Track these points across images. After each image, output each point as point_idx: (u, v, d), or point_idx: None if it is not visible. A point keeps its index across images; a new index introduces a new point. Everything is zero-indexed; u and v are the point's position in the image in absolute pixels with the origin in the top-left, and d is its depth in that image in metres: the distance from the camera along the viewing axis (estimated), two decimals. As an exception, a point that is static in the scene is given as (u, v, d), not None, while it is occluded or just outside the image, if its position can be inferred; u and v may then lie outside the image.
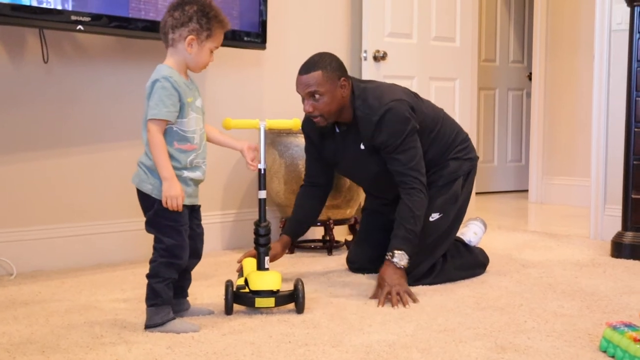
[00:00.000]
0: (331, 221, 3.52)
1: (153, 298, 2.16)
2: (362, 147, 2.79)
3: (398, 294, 2.49)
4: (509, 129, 6.38)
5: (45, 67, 3.05)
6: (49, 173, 3.12)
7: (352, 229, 3.79)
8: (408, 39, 4.18)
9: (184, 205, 2.17)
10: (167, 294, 2.17)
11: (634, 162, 3.36)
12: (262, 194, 2.42)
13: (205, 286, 2.75)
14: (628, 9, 3.43)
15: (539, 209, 5.43)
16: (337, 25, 4.08)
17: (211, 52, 2.23)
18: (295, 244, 3.49)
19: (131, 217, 3.18)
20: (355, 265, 3.06)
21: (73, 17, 2.86)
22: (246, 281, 2.39)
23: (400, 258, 2.60)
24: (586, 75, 5.13)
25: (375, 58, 4.00)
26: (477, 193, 5.05)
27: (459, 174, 2.94)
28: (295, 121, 2.58)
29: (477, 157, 3.06)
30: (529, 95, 6.26)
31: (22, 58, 3.02)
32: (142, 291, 2.21)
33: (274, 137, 3.55)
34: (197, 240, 2.31)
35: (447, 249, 2.90)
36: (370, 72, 3.98)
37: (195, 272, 2.38)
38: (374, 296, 2.58)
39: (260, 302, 2.33)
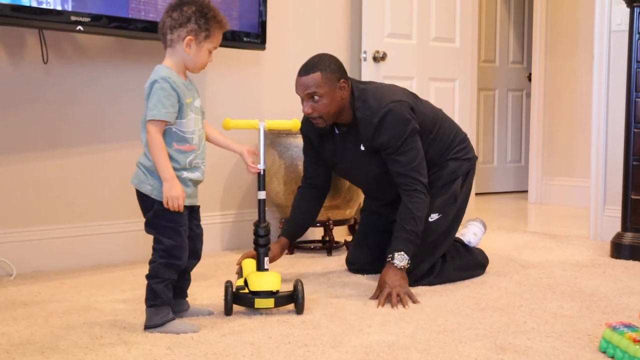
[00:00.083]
0: (331, 222, 3.52)
1: (152, 299, 2.16)
2: (362, 148, 2.79)
3: (398, 295, 2.49)
4: (509, 130, 6.38)
5: (45, 67, 3.05)
6: (48, 174, 3.12)
7: (351, 229, 3.79)
8: (408, 40, 4.18)
9: (184, 206, 2.17)
10: (166, 294, 2.17)
11: (634, 163, 3.36)
12: (262, 195, 2.42)
13: (205, 287, 2.75)
14: (628, 10, 3.43)
15: (539, 209, 5.43)
16: (337, 25, 4.08)
17: (210, 52, 2.23)
18: (294, 245, 3.49)
19: (131, 217, 3.18)
20: (355, 266, 3.06)
21: (73, 18, 2.86)
22: (246, 282, 2.39)
23: (400, 259, 2.60)
24: (586, 76, 5.13)
25: (375, 59, 4.01)
26: (476, 194, 5.05)
27: (458, 174, 2.94)
28: (294, 122, 2.58)
29: (476, 157, 3.06)
30: (528, 95, 6.27)
31: (21, 59, 3.02)
32: (142, 292, 2.21)
33: (274, 137, 3.55)
34: (197, 240, 2.31)
35: (447, 249, 2.90)
36: (369, 72, 3.98)
37: (194, 273, 2.38)
38: (374, 297, 2.58)
39: (259, 302, 2.33)
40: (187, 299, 2.36)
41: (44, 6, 2.79)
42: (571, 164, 5.50)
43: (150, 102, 2.12)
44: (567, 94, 5.54)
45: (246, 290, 2.36)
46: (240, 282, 2.43)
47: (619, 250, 3.38)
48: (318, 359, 1.92)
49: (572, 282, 2.86)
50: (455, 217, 2.93)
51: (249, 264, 2.51)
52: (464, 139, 3.02)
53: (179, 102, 2.15)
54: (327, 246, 3.52)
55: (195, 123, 2.20)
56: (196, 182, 2.25)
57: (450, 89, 4.37)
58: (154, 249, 2.19)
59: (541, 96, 5.68)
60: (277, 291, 2.35)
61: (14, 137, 3.03)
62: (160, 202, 2.14)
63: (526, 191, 5.91)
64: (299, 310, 2.37)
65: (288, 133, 3.50)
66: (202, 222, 2.35)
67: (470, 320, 2.30)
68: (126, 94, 3.29)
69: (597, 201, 3.89)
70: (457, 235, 3.05)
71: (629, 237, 3.37)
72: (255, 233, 2.40)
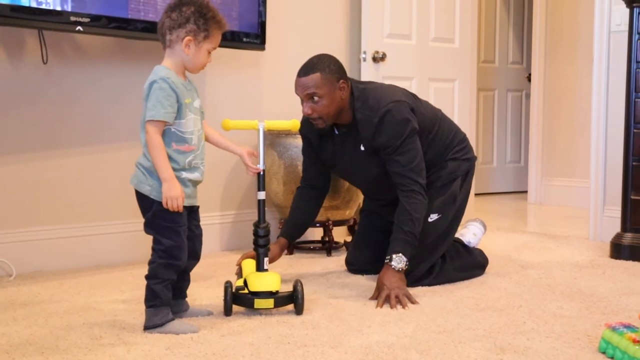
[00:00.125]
0: (330, 222, 3.52)
1: (152, 299, 2.16)
2: (362, 148, 2.79)
3: (397, 296, 2.49)
4: (508, 130, 6.38)
5: (45, 68, 3.05)
6: (48, 174, 3.12)
7: (351, 230, 3.79)
8: (407, 40, 4.18)
9: (183, 206, 2.17)
10: (166, 295, 2.17)
11: (633, 164, 3.36)
12: (261, 195, 2.42)
13: (204, 287, 2.75)
14: (627, 10, 3.43)
15: (538, 210, 5.43)
16: (336, 26, 4.08)
17: (209, 53, 2.23)
18: (293, 245, 3.50)
19: (130, 218, 3.18)
20: (354, 266, 3.06)
21: (72, 18, 2.86)
22: (245, 282, 2.39)
23: (398, 261, 2.60)
24: (585, 77, 5.13)
25: (375, 59, 4.01)
26: (476, 194, 5.06)
27: (458, 174, 2.94)
28: (294, 122, 2.58)
29: (475, 157, 3.06)
30: (528, 96, 6.27)
31: (21, 59, 3.02)
32: (141, 292, 2.21)
33: (273, 138, 3.55)
34: (196, 241, 2.31)
35: (446, 249, 2.90)
36: (369, 73, 3.98)
37: (194, 273, 2.38)
38: (373, 298, 2.57)
39: (259, 303, 2.33)
40: (186, 299, 2.36)
41: (43, 6, 2.79)
42: (571, 165, 5.50)
43: (149, 102, 2.12)
44: (567, 94, 5.54)
45: (246, 291, 2.36)
46: (240, 283, 2.43)
47: (619, 250, 3.38)
48: (317, 359, 1.92)
49: (572, 283, 2.86)
50: (454, 218, 2.93)
51: (249, 265, 2.51)
52: (463, 139, 3.02)
53: (178, 103, 2.15)
54: (327, 247, 3.52)
55: (195, 123, 2.20)
56: (195, 183, 2.25)
57: (449, 90, 4.37)
58: (153, 249, 2.19)
59: (540, 96, 5.68)
60: (277, 291, 2.35)
61: (14, 137, 3.03)
62: (160, 203, 2.14)
63: (526, 191, 5.92)
64: (299, 310, 2.37)
65: (287, 133, 3.50)
66: (201, 223, 2.35)
67: (470, 320, 2.30)
68: (126, 94, 3.29)
69: (597, 202, 3.89)
70: (457, 235, 3.05)
71: (628, 237, 3.37)
72: (255, 233, 2.40)
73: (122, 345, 2.03)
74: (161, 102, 2.11)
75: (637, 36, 3.35)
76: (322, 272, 3.10)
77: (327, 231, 3.54)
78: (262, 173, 2.41)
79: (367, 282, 2.87)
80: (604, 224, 3.85)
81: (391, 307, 2.45)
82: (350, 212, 3.65)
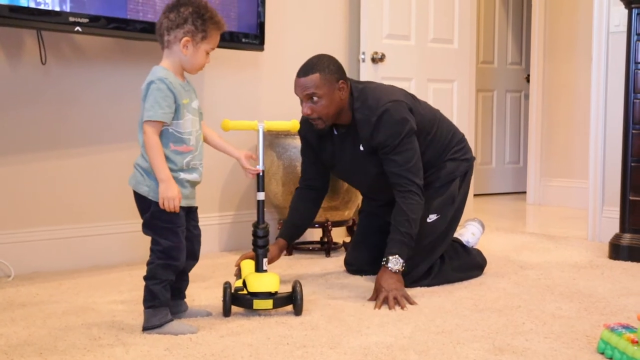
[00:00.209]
0: (329, 223, 3.52)
1: (150, 300, 2.16)
2: (361, 148, 2.79)
3: (395, 298, 2.49)
4: (507, 131, 6.38)
5: (43, 68, 3.05)
6: (46, 175, 3.12)
7: (350, 230, 3.79)
8: (406, 41, 4.18)
9: (181, 207, 2.17)
10: (164, 295, 2.17)
11: (632, 164, 3.36)
12: (261, 196, 2.42)
13: (203, 288, 2.75)
14: (626, 11, 3.43)
15: (537, 210, 5.43)
16: (335, 26, 4.08)
17: (207, 53, 2.23)
18: (292, 246, 3.49)
19: (128, 218, 3.18)
20: (353, 267, 3.06)
21: (71, 19, 2.85)
22: (244, 283, 2.38)
23: (394, 263, 2.60)
24: (584, 77, 5.13)
25: (374, 60, 4.01)
26: (475, 195, 5.06)
27: (456, 174, 2.94)
28: (293, 123, 2.58)
29: (474, 158, 3.06)
30: (527, 97, 6.27)
31: (19, 59, 3.02)
32: (140, 293, 2.21)
33: (272, 138, 3.55)
34: (194, 241, 2.31)
35: (445, 250, 2.90)
36: (368, 73, 3.98)
37: (192, 274, 2.38)
38: (372, 299, 2.57)
39: (258, 303, 2.33)
40: (185, 300, 2.35)
41: (42, 7, 2.78)
42: (569, 165, 5.50)
43: (147, 103, 2.12)
44: (566, 95, 5.54)
45: (245, 291, 2.36)
46: (239, 283, 2.43)
47: (617, 251, 3.38)
48: (316, 360, 1.92)
49: (571, 283, 2.86)
50: (453, 218, 2.93)
51: (248, 265, 2.51)
52: (462, 139, 3.02)
53: (176, 103, 2.15)
54: (326, 247, 3.52)
55: (193, 124, 2.20)
56: (193, 184, 2.24)
57: (448, 90, 4.37)
58: (151, 250, 2.19)
59: (539, 97, 5.68)
60: (276, 292, 2.35)
61: (12, 138, 3.03)
62: (158, 203, 2.14)
63: (524, 192, 5.92)
64: (298, 311, 2.36)
65: (286, 134, 3.50)
66: (200, 223, 2.34)
67: (469, 321, 2.30)
68: (125, 95, 3.28)
69: (596, 202, 3.89)
70: (456, 235, 3.05)
71: (627, 238, 3.37)
72: (254, 234, 2.40)
73: (120, 346, 2.03)
74: (159, 102, 2.11)
75: (635, 37, 3.35)
76: (321, 272, 3.10)
77: (326, 232, 3.54)
78: (261, 174, 2.41)
79: (366, 283, 2.87)
80: (602, 225, 3.86)
81: (389, 309, 2.45)
82: (349, 213, 3.65)
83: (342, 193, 3.49)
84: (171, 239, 2.17)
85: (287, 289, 2.41)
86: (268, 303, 2.33)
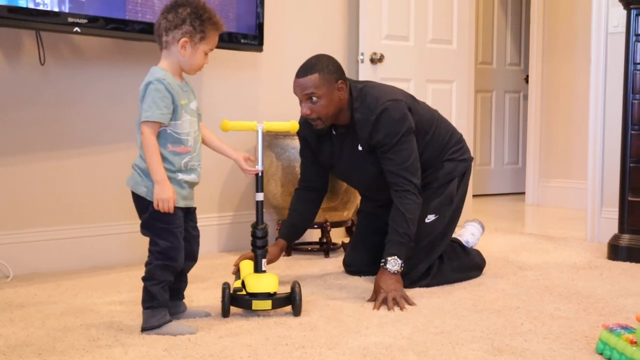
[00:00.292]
0: (328, 223, 3.51)
1: (149, 300, 2.16)
2: (360, 148, 2.79)
3: (394, 299, 2.49)
4: (506, 132, 6.38)
5: (42, 69, 3.05)
6: (45, 175, 3.12)
7: (348, 231, 3.79)
8: (405, 42, 4.18)
9: (179, 208, 2.17)
10: (163, 296, 2.17)
11: (631, 165, 3.37)
12: (260, 196, 2.42)
13: (202, 289, 2.74)
14: (624, 12, 3.44)
15: (536, 211, 5.43)
16: (334, 27, 4.08)
17: (205, 54, 2.23)
18: (291, 247, 3.49)
19: (127, 219, 3.17)
20: (352, 268, 3.06)
21: (70, 19, 2.85)
22: (243, 283, 2.38)
23: (393, 264, 2.59)
24: (583, 78, 5.14)
25: (372, 60, 4.01)
26: (474, 195, 5.06)
27: (454, 175, 2.94)
28: (293, 123, 2.57)
29: (472, 158, 3.06)
30: (525, 97, 6.27)
31: (18, 60, 3.02)
32: (138, 294, 2.21)
33: (271, 139, 3.55)
34: (193, 242, 2.31)
35: (444, 250, 2.90)
36: (367, 74, 3.98)
37: (191, 275, 2.38)
38: (371, 300, 2.57)
39: (257, 304, 2.33)
40: (184, 300, 2.35)
41: (41, 7, 2.78)
42: (568, 166, 5.51)
43: (144, 103, 2.12)
44: (564, 96, 5.54)
45: (243, 292, 2.36)
46: (238, 284, 2.43)
47: (616, 252, 3.38)
48: (315, 360, 1.92)
49: (569, 284, 2.86)
50: (451, 218, 2.93)
51: (247, 266, 2.51)
52: (460, 139, 3.02)
53: (174, 104, 2.14)
54: (325, 248, 3.52)
55: (191, 125, 2.20)
56: (192, 184, 2.24)
57: (447, 91, 4.37)
58: (149, 250, 2.19)
59: (538, 98, 5.68)
60: (275, 293, 2.35)
61: (11, 138, 3.02)
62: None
63: (523, 193, 5.92)
64: (297, 312, 2.36)
65: (285, 135, 3.50)
66: (199, 224, 2.34)
67: (468, 322, 2.30)
68: (123, 95, 3.28)
69: (594, 203, 3.90)
70: (455, 235, 3.05)
71: (626, 238, 3.37)
72: (253, 235, 2.40)
73: (119, 347, 2.03)
74: (156, 103, 2.10)
75: (634, 38, 3.36)
76: (319, 273, 3.10)
77: (325, 232, 3.53)
78: (260, 174, 2.41)
79: (364, 284, 2.87)
80: (601, 226, 3.86)
81: (388, 310, 2.45)
82: (348, 214, 3.65)
83: (341, 194, 3.49)
84: (169, 239, 2.16)
85: (286, 289, 2.41)
86: (267, 304, 2.33)
